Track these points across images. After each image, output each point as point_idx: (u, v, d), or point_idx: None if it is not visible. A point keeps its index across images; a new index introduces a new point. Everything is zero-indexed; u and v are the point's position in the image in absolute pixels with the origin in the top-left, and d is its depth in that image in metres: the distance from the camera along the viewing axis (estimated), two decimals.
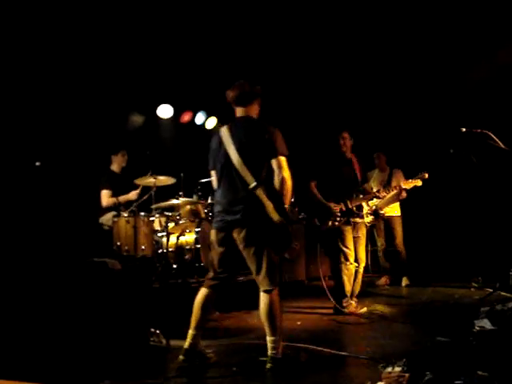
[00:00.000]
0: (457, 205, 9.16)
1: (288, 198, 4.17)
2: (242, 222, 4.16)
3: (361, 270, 6.52)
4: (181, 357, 4.26)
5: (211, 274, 4.40)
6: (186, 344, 4.29)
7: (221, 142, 4.35)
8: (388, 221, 8.47)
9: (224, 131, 4.37)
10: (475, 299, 6.66)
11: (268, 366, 4.11)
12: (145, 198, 7.18)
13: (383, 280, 8.56)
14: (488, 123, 6.18)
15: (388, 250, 8.59)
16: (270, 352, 4.14)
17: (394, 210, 8.46)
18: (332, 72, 9.17)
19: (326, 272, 9.40)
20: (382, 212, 8.18)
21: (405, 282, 8.34)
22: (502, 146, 5.89)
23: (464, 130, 6.13)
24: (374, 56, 8.75)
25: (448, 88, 8.82)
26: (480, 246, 8.50)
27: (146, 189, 7.29)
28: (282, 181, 4.11)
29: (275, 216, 4.06)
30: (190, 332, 4.32)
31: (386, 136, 9.32)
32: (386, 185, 8.22)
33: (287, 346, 4.39)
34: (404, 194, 8.01)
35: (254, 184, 4.12)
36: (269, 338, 4.16)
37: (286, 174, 4.14)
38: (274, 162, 4.15)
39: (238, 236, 4.19)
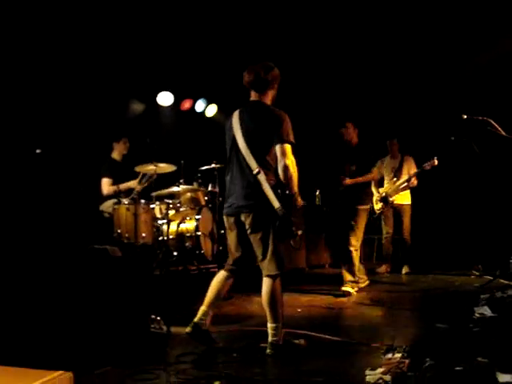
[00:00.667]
0: (457, 193, 9.16)
1: (293, 185, 4.12)
2: (249, 207, 4.16)
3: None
4: (188, 328, 4.31)
5: (230, 260, 4.42)
6: (196, 318, 4.33)
7: (231, 127, 4.34)
8: (397, 209, 8.41)
9: (235, 115, 4.35)
10: (475, 287, 6.68)
11: (268, 351, 4.12)
12: (146, 184, 7.16)
13: (383, 268, 8.56)
14: (489, 110, 6.16)
15: (394, 237, 8.55)
16: (270, 338, 4.16)
17: (404, 198, 8.39)
18: (336, 67, 9.16)
19: (324, 260, 9.48)
20: (391, 199, 8.19)
21: (405, 269, 8.34)
22: (503, 133, 5.88)
23: (465, 116, 6.11)
24: (377, 46, 8.72)
25: (449, 75, 8.79)
26: (480, 234, 8.51)
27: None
28: (285, 168, 4.07)
29: (275, 204, 4.04)
30: (202, 308, 4.36)
31: (391, 123, 9.29)
32: (397, 172, 8.30)
33: (288, 333, 4.39)
34: (415, 182, 8.05)
35: (256, 170, 4.11)
36: (270, 325, 4.17)
37: (289, 161, 4.09)
38: (277, 149, 4.11)
39: (245, 221, 4.20)
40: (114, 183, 7.20)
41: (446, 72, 8.80)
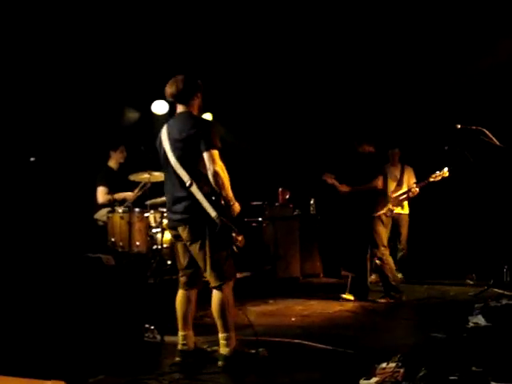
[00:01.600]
0: (451, 202, 9.17)
1: (226, 191, 4.08)
2: (184, 220, 4.15)
3: None
4: (177, 358, 4.26)
5: (181, 274, 4.40)
6: (179, 346, 4.30)
7: (160, 142, 4.34)
8: (395, 218, 8.19)
9: (163, 130, 4.34)
10: (469, 296, 6.68)
11: (220, 363, 4.10)
12: (140, 193, 7.14)
13: (373, 277, 8.47)
14: (483, 120, 6.19)
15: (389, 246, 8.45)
16: (221, 349, 4.13)
17: (404, 209, 8.32)
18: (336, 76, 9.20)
19: (319, 270, 9.45)
20: (392, 208, 8.11)
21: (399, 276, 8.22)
22: (497, 143, 5.90)
23: (459, 126, 6.14)
24: (373, 51, 8.76)
25: (443, 84, 8.82)
26: (474, 243, 8.52)
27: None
28: (214, 174, 4.01)
29: (211, 213, 4.01)
30: (179, 333, 4.33)
31: (389, 133, 9.28)
32: (399, 181, 8.23)
33: (249, 342, 4.39)
34: (416, 191, 7.98)
35: (188, 182, 4.08)
36: (220, 335, 4.13)
37: (218, 167, 4.03)
38: (205, 156, 4.05)
39: (182, 234, 4.19)
40: (110, 192, 7.17)
41: (439, 82, 8.83)
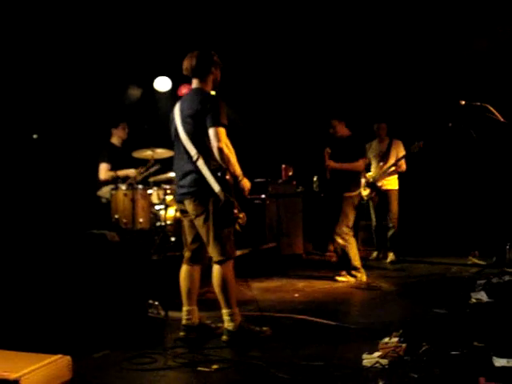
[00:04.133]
0: (455, 179, 9.16)
1: (232, 167, 4.11)
2: (191, 193, 4.17)
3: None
4: (181, 333, 4.31)
5: (185, 249, 4.44)
6: (184, 321, 4.34)
7: (173, 117, 4.37)
8: (384, 194, 8.15)
9: (176, 105, 4.38)
10: (472, 272, 6.70)
11: (224, 338, 4.15)
12: (145, 174, 7.15)
13: (375, 254, 8.49)
14: (487, 96, 6.15)
15: (380, 224, 8.36)
16: (226, 324, 4.17)
17: (391, 184, 8.16)
18: (336, 44, 9.09)
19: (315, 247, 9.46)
20: (379, 184, 8.05)
21: (390, 257, 8.09)
22: (501, 119, 5.87)
23: (463, 102, 6.09)
24: (374, 29, 8.66)
25: (447, 60, 8.76)
26: (477, 221, 8.52)
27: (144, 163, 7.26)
28: (219, 151, 4.03)
29: (215, 187, 4.03)
30: (184, 308, 4.37)
31: (386, 106, 9.21)
32: (384, 156, 8.11)
33: (255, 319, 4.44)
34: (403, 166, 7.93)
35: (195, 156, 4.11)
36: (223, 311, 4.18)
37: (223, 144, 4.05)
38: (210, 132, 4.07)
39: (188, 207, 4.22)
40: (113, 169, 7.17)
41: (444, 57, 8.77)
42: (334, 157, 6.77)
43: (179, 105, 4.35)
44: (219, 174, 4.06)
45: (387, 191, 8.14)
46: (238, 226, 4.17)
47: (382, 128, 8.29)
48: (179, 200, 4.33)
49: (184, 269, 4.40)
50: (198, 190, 4.14)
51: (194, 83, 4.35)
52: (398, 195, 8.20)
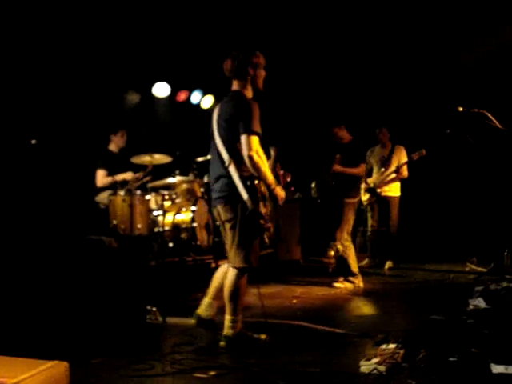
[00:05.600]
0: (453, 185, 9.17)
1: (263, 176, 4.06)
2: (220, 198, 4.18)
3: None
4: (192, 321, 4.43)
5: (226, 250, 4.42)
6: (200, 310, 4.50)
7: (212, 119, 4.35)
8: (385, 201, 8.09)
9: (216, 107, 4.37)
10: (470, 279, 6.70)
11: (222, 344, 4.14)
12: (147, 178, 7.16)
13: (366, 261, 8.44)
14: (485, 103, 6.16)
15: (379, 230, 8.26)
16: (226, 331, 4.17)
17: (393, 190, 8.09)
18: (337, 49, 9.10)
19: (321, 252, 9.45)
20: (379, 190, 8.03)
21: (388, 265, 8.04)
22: (499, 125, 5.88)
23: (461, 109, 6.10)
24: (374, 33, 8.67)
25: (445, 67, 8.78)
26: (475, 227, 8.53)
27: (142, 168, 7.27)
28: (248, 159, 3.98)
29: (244, 195, 4.01)
30: (206, 299, 4.50)
31: (385, 113, 9.21)
32: (386, 161, 8.08)
33: (252, 326, 4.43)
34: (405, 173, 7.90)
35: (228, 161, 4.09)
36: (227, 317, 4.17)
37: (252, 152, 3.97)
38: (241, 139, 4.03)
39: (220, 212, 4.22)
40: (110, 175, 7.16)
41: (443, 64, 8.79)
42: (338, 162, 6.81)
43: (218, 106, 4.32)
44: (248, 183, 4.02)
45: (387, 198, 8.08)
46: (266, 238, 4.15)
47: (384, 133, 8.22)
48: (213, 205, 4.33)
49: (223, 266, 4.51)
50: (228, 195, 4.12)
51: (233, 85, 4.32)
52: (398, 202, 8.14)
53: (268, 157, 4.91)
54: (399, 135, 8.47)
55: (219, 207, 4.21)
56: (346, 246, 6.63)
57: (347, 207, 6.67)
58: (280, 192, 4.21)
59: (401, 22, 8.37)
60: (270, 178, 4.13)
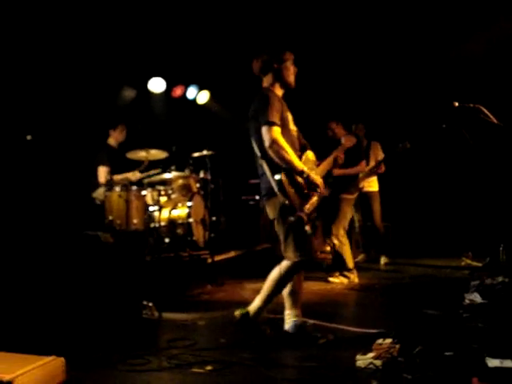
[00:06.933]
0: (449, 180, 9.19)
1: (291, 166, 3.96)
2: (265, 194, 4.19)
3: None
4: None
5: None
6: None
7: None
8: (366, 196, 8.13)
9: None
10: (465, 273, 6.72)
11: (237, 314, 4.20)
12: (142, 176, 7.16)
13: (361, 257, 8.48)
14: (480, 97, 6.17)
15: (366, 225, 8.38)
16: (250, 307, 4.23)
17: (372, 186, 8.19)
18: (321, 43, 9.06)
19: (319, 247, 9.45)
20: (360, 186, 8.01)
21: (383, 260, 8.15)
22: (495, 120, 5.89)
23: (456, 104, 6.10)
24: (366, 29, 8.66)
25: (440, 62, 8.78)
26: (471, 221, 8.55)
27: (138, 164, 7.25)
28: (269, 151, 3.94)
29: (275, 187, 3.97)
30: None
31: (374, 109, 9.22)
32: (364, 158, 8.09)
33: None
34: (382, 168, 7.90)
35: (260, 158, 4.09)
36: (256, 302, 4.23)
37: (271, 142, 3.92)
38: (262, 131, 4.01)
39: (266, 209, 4.24)
40: (111, 171, 7.10)
41: (437, 59, 8.79)
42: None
43: None
44: (277, 177, 3.95)
45: (368, 193, 8.17)
46: (308, 228, 4.04)
47: (360, 129, 8.21)
48: (263, 205, 4.34)
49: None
50: (267, 193, 4.13)
51: (262, 83, 4.33)
52: (379, 197, 8.24)
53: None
54: (393, 130, 8.50)
55: (265, 204, 4.22)
56: (341, 241, 6.66)
57: (345, 203, 6.71)
58: (316, 179, 4.09)
59: (395, 17, 8.36)
60: (299, 166, 4.00)
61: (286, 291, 4.21)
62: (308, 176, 4.02)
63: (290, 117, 4.30)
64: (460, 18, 7.99)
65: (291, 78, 4.33)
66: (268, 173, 4.03)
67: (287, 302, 4.24)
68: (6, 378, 2.79)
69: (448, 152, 8.77)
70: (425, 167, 9.04)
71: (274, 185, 3.98)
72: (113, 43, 7.76)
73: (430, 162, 9.05)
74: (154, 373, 3.54)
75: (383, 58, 9.09)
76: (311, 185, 4.04)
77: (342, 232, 6.67)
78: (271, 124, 3.97)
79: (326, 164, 4.68)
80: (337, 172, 6.69)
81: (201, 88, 9.48)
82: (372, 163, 7.94)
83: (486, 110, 5.82)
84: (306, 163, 4.20)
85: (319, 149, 4.68)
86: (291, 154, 3.99)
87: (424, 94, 9.02)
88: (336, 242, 6.68)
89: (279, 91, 4.30)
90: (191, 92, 9.45)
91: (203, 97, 9.51)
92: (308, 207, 4.03)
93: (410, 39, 8.60)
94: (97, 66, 7.72)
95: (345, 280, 6.61)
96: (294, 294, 4.24)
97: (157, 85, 8.78)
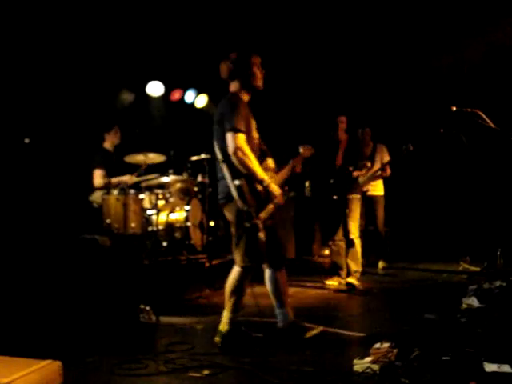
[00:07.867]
0: (446, 184, 9.20)
1: (251, 173, 4.00)
2: (221, 199, 4.22)
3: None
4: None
5: None
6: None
7: None
8: (370, 200, 8.07)
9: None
10: (463, 278, 6.72)
11: (217, 339, 4.17)
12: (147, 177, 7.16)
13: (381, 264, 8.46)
14: (478, 102, 6.18)
15: (367, 229, 8.29)
16: (221, 326, 4.21)
17: (377, 189, 8.14)
18: (321, 46, 9.08)
19: (316, 251, 9.46)
20: (363, 189, 8.00)
21: (381, 264, 8.14)
22: (492, 125, 5.90)
23: (454, 108, 6.11)
24: (365, 34, 8.68)
25: (439, 66, 8.80)
26: (469, 226, 8.55)
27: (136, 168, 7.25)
28: (233, 157, 3.96)
29: (234, 193, 4.00)
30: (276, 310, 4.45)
31: (376, 112, 9.22)
32: (369, 160, 8.09)
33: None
34: (388, 171, 7.90)
35: (222, 162, 4.10)
36: (225, 314, 4.25)
37: (235, 149, 3.94)
38: (226, 137, 4.02)
39: (224, 213, 4.27)
40: (107, 175, 7.11)
41: (436, 63, 8.80)
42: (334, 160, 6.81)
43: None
44: (237, 183, 3.98)
45: (373, 197, 8.12)
46: (262, 235, 4.01)
47: (367, 132, 8.24)
48: (219, 209, 4.35)
49: (267, 272, 4.53)
50: (226, 196, 4.14)
51: (230, 87, 4.33)
52: (384, 201, 8.20)
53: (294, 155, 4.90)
54: (391, 135, 8.49)
55: (223, 208, 4.24)
56: (356, 243, 6.65)
57: (354, 203, 6.72)
58: (275, 189, 4.14)
59: (394, 22, 8.38)
60: (260, 174, 4.06)
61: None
62: (268, 185, 4.09)
63: (253, 124, 4.32)
64: (458, 24, 8.01)
65: (259, 83, 4.35)
66: (228, 177, 4.05)
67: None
68: (2, 381, 2.78)
69: (446, 156, 8.77)
70: (422, 171, 9.04)
71: (232, 190, 4.01)
72: (111, 47, 7.77)
73: (428, 167, 9.05)
74: (152, 377, 3.53)
75: (384, 58, 9.10)
76: (269, 193, 4.11)
77: (357, 233, 6.68)
78: (237, 131, 3.99)
79: (284, 172, 4.68)
80: (356, 173, 6.73)
81: (199, 92, 9.48)
82: (377, 166, 7.92)
83: (483, 114, 5.83)
84: (266, 171, 4.24)
85: (280, 156, 4.75)
86: (254, 163, 4.04)
87: (422, 98, 9.02)
88: (334, 248, 6.72)
89: (246, 97, 4.30)
90: (189, 96, 9.44)
91: (201, 101, 9.50)
92: (263, 215, 4.06)
93: (409, 44, 8.63)
94: (95, 69, 7.72)
95: (342, 281, 6.62)
96: (278, 292, 4.39)
97: (155, 88, 8.78)
